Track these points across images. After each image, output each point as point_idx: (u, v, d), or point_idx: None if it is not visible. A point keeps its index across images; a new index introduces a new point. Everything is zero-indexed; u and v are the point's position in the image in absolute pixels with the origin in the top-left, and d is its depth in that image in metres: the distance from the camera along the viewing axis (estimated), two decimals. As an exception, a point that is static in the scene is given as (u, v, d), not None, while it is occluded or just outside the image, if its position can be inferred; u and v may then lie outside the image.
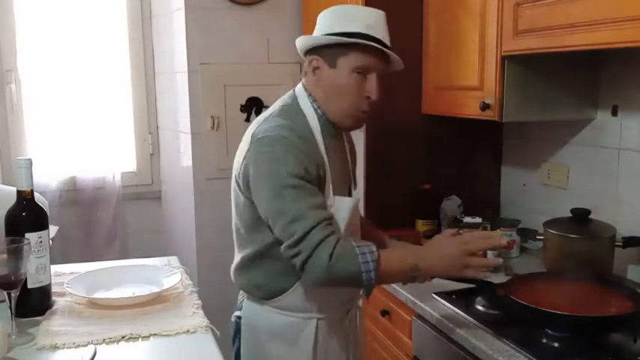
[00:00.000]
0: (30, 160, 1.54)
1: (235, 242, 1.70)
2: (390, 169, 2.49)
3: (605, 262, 1.96)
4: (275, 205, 1.47)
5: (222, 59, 2.91)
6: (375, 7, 2.33)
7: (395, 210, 2.50)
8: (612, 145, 2.10)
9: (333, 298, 1.67)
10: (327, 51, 1.58)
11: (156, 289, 1.69)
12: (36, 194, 1.58)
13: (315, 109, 1.63)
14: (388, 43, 1.61)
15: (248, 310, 1.68)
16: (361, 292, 1.69)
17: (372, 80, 1.58)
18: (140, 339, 1.46)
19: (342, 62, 1.57)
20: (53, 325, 1.52)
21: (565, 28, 1.69)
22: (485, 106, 2.05)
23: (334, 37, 1.55)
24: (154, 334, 1.47)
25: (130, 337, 1.45)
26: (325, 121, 1.63)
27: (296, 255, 1.44)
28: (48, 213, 1.62)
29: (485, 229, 2.33)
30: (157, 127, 3.42)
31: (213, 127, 2.92)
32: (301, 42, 1.64)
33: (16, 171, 1.54)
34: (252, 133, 1.58)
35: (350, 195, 1.74)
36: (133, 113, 3.37)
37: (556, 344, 1.58)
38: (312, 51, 1.62)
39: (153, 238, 3.36)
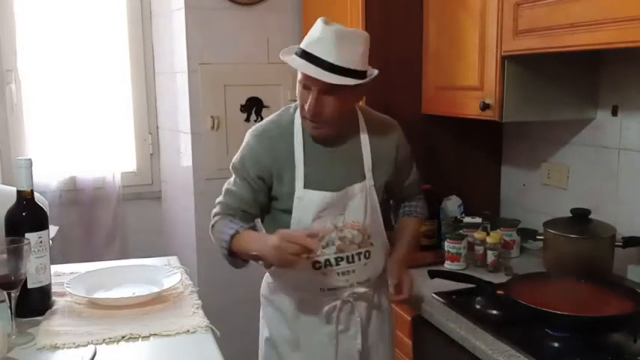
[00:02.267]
0: (30, 160, 1.54)
1: None
2: (390, 169, 2.49)
3: (605, 262, 1.97)
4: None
5: (222, 59, 2.91)
6: (375, 8, 2.38)
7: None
8: (612, 145, 2.10)
9: (303, 276, 1.79)
10: None
11: (156, 289, 1.69)
12: (36, 194, 1.58)
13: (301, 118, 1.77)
14: (334, 61, 1.62)
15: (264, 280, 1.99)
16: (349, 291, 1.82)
17: (310, 95, 1.67)
18: (140, 339, 1.46)
19: (298, 75, 1.71)
20: (53, 325, 1.52)
21: (565, 28, 1.70)
22: (485, 106, 2.05)
23: (282, 57, 1.70)
24: (154, 334, 1.47)
25: (130, 337, 1.45)
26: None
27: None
28: (48, 213, 1.62)
29: (485, 229, 2.33)
30: (157, 127, 3.42)
31: (213, 127, 2.92)
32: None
33: (16, 171, 1.54)
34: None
35: (333, 191, 1.77)
36: (133, 113, 3.37)
37: (556, 344, 1.59)
38: None
39: (153, 238, 3.36)
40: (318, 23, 1.66)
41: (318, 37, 1.64)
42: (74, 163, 3.21)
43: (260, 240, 1.68)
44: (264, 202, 1.82)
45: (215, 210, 1.83)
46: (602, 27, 1.58)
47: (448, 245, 2.25)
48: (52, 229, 1.68)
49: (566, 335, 1.59)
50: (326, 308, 1.82)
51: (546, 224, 2.07)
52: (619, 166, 2.08)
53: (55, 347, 1.40)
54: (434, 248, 2.41)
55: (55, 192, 3.14)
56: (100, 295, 1.68)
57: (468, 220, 2.38)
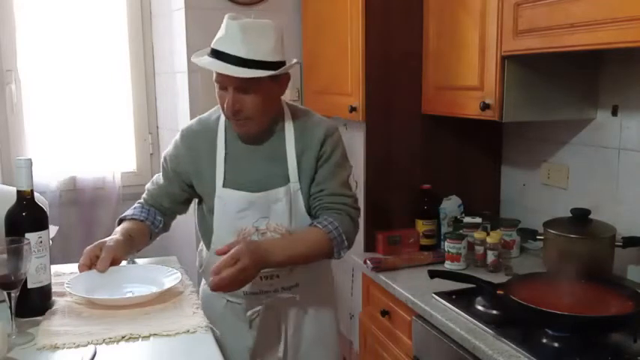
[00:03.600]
0: (30, 160, 1.54)
1: None
2: (390, 169, 2.49)
3: (605, 262, 1.96)
4: None
5: (222, 59, 2.91)
6: (375, 8, 2.38)
7: (395, 210, 2.50)
8: (612, 145, 2.10)
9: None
10: None
11: (155, 289, 1.69)
12: (36, 194, 1.58)
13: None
14: (243, 54, 1.61)
15: None
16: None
17: (227, 93, 1.68)
18: (140, 339, 1.45)
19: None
20: (53, 325, 1.51)
21: (565, 28, 1.69)
22: (485, 106, 2.05)
23: (193, 59, 1.73)
24: (154, 334, 1.47)
25: (130, 337, 1.45)
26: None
27: None
28: (48, 213, 1.61)
29: (485, 229, 2.33)
30: (157, 127, 3.42)
31: (213, 127, 2.91)
32: None
33: (16, 171, 1.54)
34: None
35: (254, 191, 1.76)
36: (133, 113, 3.37)
37: (556, 344, 1.58)
38: None
39: (153, 238, 3.36)
40: (224, 20, 1.66)
41: (224, 33, 1.64)
42: (74, 163, 3.21)
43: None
44: (179, 196, 1.87)
45: (143, 195, 1.95)
46: (602, 27, 1.58)
47: (448, 245, 2.25)
48: (52, 229, 1.68)
49: (566, 335, 1.59)
50: (248, 313, 1.83)
51: (546, 224, 2.07)
52: (619, 166, 2.08)
53: (55, 347, 1.40)
54: (434, 248, 2.42)
55: (55, 192, 3.14)
56: (100, 295, 1.68)
57: (468, 220, 2.38)
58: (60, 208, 3.11)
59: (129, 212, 1.89)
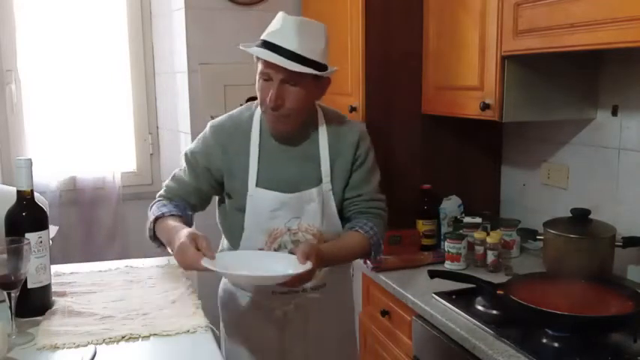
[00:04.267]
0: (30, 160, 1.54)
1: None
2: (390, 169, 2.49)
3: (605, 262, 1.96)
4: None
5: (222, 59, 2.91)
6: (375, 8, 2.38)
7: (395, 210, 2.49)
8: (612, 145, 2.10)
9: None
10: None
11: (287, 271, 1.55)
12: (36, 194, 1.58)
13: (262, 112, 1.75)
14: (296, 49, 1.62)
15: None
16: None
17: (272, 86, 1.66)
18: (140, 339, 1.46)
19: (257, 68, 1.70)
20: (53, 325, 1.52)
21: (565, 28, 1.69)
22: (485, 106, 2.05)
23: (242, 47, 1.69)
24: (154, 334, 1.47)
25: (130, 337, 1.45)
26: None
27: None
28: (48, 213, 1.62)
29: (485, 229, 2.33)
30: (157, 127, 3.42)
31: (213, 127, 2.92)
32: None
33: (16, 171, 1.54)
34: None
35: (286, 192, 1.75)
36: (133, 113, 3.37)
37: (556, 344, 1.58)
38: None
39: (153, 238, 3.36)
40: (279, 15, 1.68)
41: (279, 27, 1.65)
42: (74, 163, 3.21)
43: (171, 232, 1.62)
44: (207, 193, 1.82)
45: (159, 192, 1.85)
46: (602, 27, 1.58)
47: (448, 245, 2.25)
48: (52, 229, 1.68)
49: (566, 335, 1.59)
50: (278, 312, 1.82)
51: (546, 224, 2.07)
52: (619, 166, 2.08)
53: (55, 347, 1.40)
54: (434, 248, 2.41)
55: (55, 192, 3.14)
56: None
57: (468, 220, 2.38)
58: (60, 208, 3.11)
59: (164, 210, 1.73)
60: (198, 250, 1.49)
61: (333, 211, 1.79)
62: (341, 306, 1.95)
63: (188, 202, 1.81)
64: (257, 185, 1.74)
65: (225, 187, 1.80)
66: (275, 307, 1.83)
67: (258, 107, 1.77)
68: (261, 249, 1.74)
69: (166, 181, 1.87)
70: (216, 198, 1.89)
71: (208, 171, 1.78)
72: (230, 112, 1.86)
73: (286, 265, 1.56)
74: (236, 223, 1.77)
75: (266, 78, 1.67)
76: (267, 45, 1.63)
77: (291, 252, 1.61)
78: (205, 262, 1.46)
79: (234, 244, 1.81)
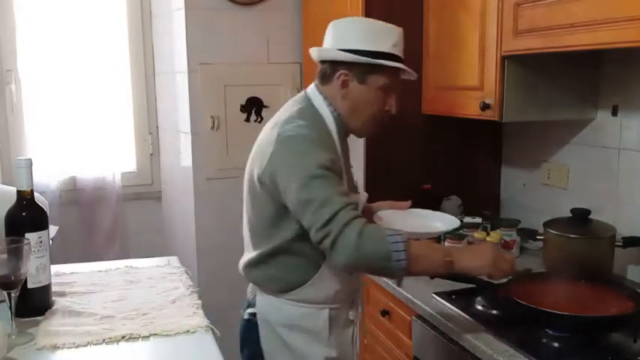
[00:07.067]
0: (30, 160, 1.54)
1: (249, 239, 1.74)
2: (390, 169, 2.49)
3: (605, 262, 1.96)
4: (304, 195, 1.50)
5: (222, 59, 2.91)
6: (375, 8, 2.38)
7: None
8: (612, 145, 2.10)
9: (341, 288, 1.71)
10: (358, 68, 1.65)
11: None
12: (36, 194, 1.58)
13: (332, 112, 1.69)
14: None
15: (262, 304, 1.73)
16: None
17: (394, 96, 1.70)
18: (140, 339, 1.46)
19: (372, 80, 1.66)
20: (53, 325, 1.52)
21: (565, 28, 1.69)
22: (485, 106, 2.05)
23: (367, 58, 1.62)
24: (154, 334, 1.47)
25: (130, 337, 1.45)
26: (340, 124, 1.70)
27: (326, 236, 1.46)
28: (48, 213, 1.62)
29: (485, 229, 2.33)
30: (157, 127, 3.42)
31: (213, 127, 2.92)
32: (327, 54, 1.68)
33: (16, 171, 1.54)
34: (277, 133, 1.60)
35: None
36: (133, 113, 3.37)
37: (556, 344, 1.59)
38: (338, 64, 1.66)
39: (153, 238, 3.36)
40: (388, 25, 1.68)
41: (397, 40, 1.67)
42: (74, 163, 3.21)
43: (467, 252, 1.62)
44: None
45: (347, 213, 1.47)
46: (602, 27, 1.58)
47: (448, 245, 2.25)
48: (52, 229, 1.68)
49: (566, 335, 1.59)
50: (351, 314, 1.79)
51: (546, 224, 2.07)
52: (619, 166, 2.08)
53: (55, 347, 1.40)
54: (434, 248, 2.41)
55: (55, 192, 3.14)
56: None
57: (468, 220, 2.38)
58: (60, 208, 3.11)
59: (394, 233, 1.50)
60: None
61: None
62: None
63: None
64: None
65: None
66: (348, 306, 1.78)
67: (322, 113, 1.67)
68: None
69: (339, 199, 1.49)
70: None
71: (340, 174, 1.63)
72: (301, 122, 1.61)
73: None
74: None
75: (389, 90, 1.69)
76: (396, 58, 1.67)
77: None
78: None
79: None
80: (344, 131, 1.73)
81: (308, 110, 1.68)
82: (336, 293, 1.70)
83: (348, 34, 1.67)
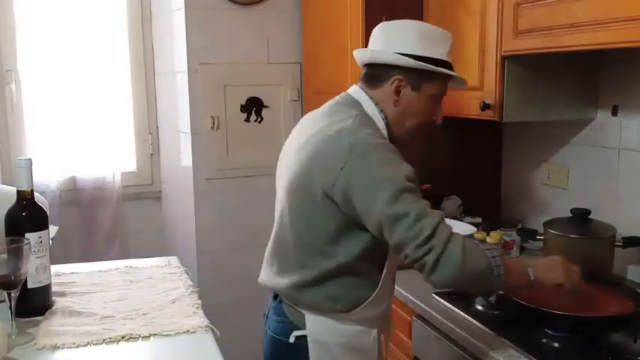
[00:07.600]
0: (30, 160, 1.54)
1: (296, 257, 1.60)
2: (390, 169, 2.48)
3: (605, 262, 1.96)
4: (395, 209, 1.40)
5: (222, 59, 2.91)
6: (375, 8, 2.38)
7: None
8: (612, 145, 2.10)
9: (387, 305, 1.68)
10: (413, 74, 1.58)
11: None
12: (36, 194, 1.58)
13: (383, 118, 1.61)
14: None
15: (316, 326, 1.59)
16: None
17: (441, 105, 1.65)
18: (140, 339, 1.46)
19: (426, 88, 1.60)
20: (53, 325, 1.52)
21: (565, 28, 1.69)
22: (485, 106, 2.05)
23: (427, 65, 1.56)
24: (154, 334, 1.47)
25: (130, 337, 1.45)
26: (389, 131, 1.63)
27: (428, 252, 1.39)
28: (48, 213, 1.62)
29: (485, 229, 2.33)
30: (157, 127, 3.42)
31: (213, 127, 2.92)
32: (384, 57, 1.60)
33: (16, 171, 1.54)
34: (349, 143, 1.47)
35: None
36: (133, 113, 3.36)
37: (556, 344, 1.59)
38: (393, 68, 1.58)
39: (153, 238, 3.36)
40: (444, 30, 1.63)
41: (451, 45, 1.63)
42: (74, 163, 3.21)
43: (541, 264, 1.58)
44: None
45: (445, 228, 1.42)
46: (602, 27, 1.58)
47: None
48: (52, 229, 1.68)
49: (566, 335, 1.59)
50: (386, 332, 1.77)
51: (546, 224, 2.07)
52: (619, 166, 2.08)
53: (55, 347, 1.40)
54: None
55: (55, 192, 3.14)
56: None
57: (468, 220, 2.38)
58: (60, 208, 3.11)
59: (488, 248, 1.51)
60: None
61: None
62: None
63: None
64: None
65: None
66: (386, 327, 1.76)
67: (374, 118, 1.59)
68: None
69: (433, 212, 1.44)
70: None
71: None
72: (368, 130, 1.54)
73: None
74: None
75: (438, 99, 1.64)
76: (449, 65, 1.62)
77: None
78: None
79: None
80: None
81: (364, 117, 1.57)
82: (384, 310, 1.66)
83: (404, 38, 1.59)
